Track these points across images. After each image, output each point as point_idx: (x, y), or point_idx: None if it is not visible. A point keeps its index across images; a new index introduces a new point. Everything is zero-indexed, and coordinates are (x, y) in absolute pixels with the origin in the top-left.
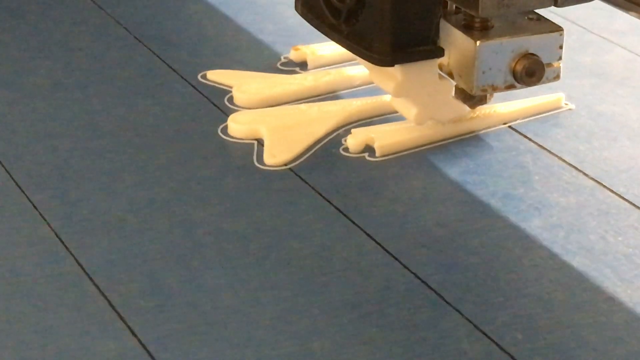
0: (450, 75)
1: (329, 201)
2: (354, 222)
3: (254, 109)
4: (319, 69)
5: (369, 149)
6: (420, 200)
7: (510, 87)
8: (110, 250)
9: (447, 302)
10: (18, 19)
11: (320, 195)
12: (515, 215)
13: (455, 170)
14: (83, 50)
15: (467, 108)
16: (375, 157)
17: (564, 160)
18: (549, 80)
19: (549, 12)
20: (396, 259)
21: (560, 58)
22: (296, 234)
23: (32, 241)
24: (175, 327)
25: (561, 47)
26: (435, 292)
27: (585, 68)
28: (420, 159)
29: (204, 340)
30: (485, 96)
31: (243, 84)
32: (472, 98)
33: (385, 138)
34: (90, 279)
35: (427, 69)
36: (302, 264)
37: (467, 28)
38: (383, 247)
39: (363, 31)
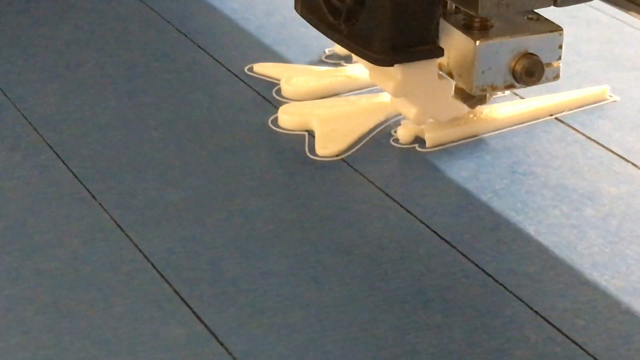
0: (450, 75)
1: (382, 190)
2: (408, 211)
3: (301, 101)
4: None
5: (419, 139)
6: (472, 190)
7: (510, 86)
8: (171, 238)
9: (507, 289)
10: (66, 15)
11: (374, 184)
12: (568, 204)
13: (505, 161)
14: (130, 44)
15: (466, 108)
16: (425, 148)
17: (611, 151)
18: (548, 80)
19: (588, 7)
20: (454, 247)
21: (559, 58)
22: (352, 223)
23: (93, 231)
24: (240, 312)
25: (561, 47)
26: (494, 279)
27: (629, 61)
28: (469, 150)
29: (269, 325)
30: (485, 96)
31: (291, 77)
32: (471, 98)
33: (435, 129)
34: (154, 266)
35: (426, 69)
36: (361, 251)
37: (467, 28)
38: (440, 236)
39: (362, 31)
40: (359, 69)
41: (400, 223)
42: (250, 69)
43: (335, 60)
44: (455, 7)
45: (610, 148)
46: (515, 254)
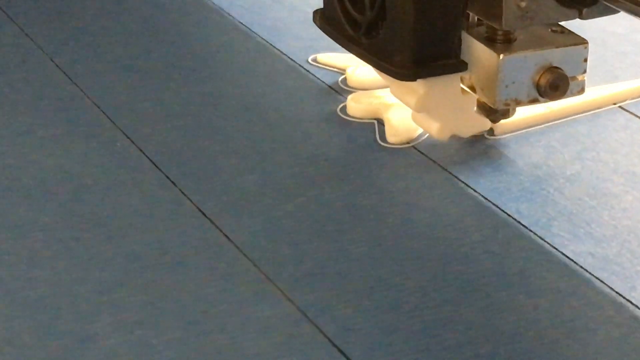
0: (472, 88)
1: (455, 176)
2: (483, 196)
3: (367, 90)
4: None
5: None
6: (543, 175)
7: (534, 101)
8: (251, 223)
9: (587, 271)
10: (127, 7)
11: (446, 170)
12: (639, 190)
13: (573, 149)
14: (192, 36)
15: (489, 123)
16: (493, 135)
17: None
18: (572, 94)
19: None
20: (531, 231)
21: (584, 71)
22: (428, 208)
23: (176, 215)
24: (328, 294)
25: (586, 60)
26: (574, 261)
27: None
28: (537, 137)
29: (357, 306)
30: (508, 110)
31: (356, 66)
32: (494, 112)
33: None
34: (239, 249)
35: (449, 83)
36: (440, 235)
37: (490, 41)
38: (516, 220)
39: (384, 44)
40: None
41: (475, 207)
42: (314, 60)
43: None
44: (478, 19)
45: None
46: (592, 238)
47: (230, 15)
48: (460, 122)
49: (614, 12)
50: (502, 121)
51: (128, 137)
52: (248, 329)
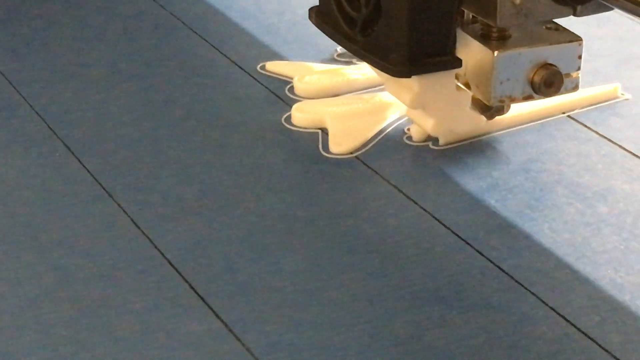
0: (467, 85)
1: (397, 188)
2: (423, 208)
3: (314, 99)
4: None
5: (432, 137)
6: (486, 187)
7: (528, 97)
8: (187, 235)
9: (522, 286)
10: (78, 14)
11: (389, 182)
12: (582, 202)
13: (518, 159)
14: (143, 43)
15: (484, 119)
16: (438, 145)
17: (624, 149)
18: (567, 91)
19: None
20: (469, 244)
21: (579, 68)
22: (368, 220)
23: (109, 227)
24: (258, 309)
25: (580, 57)
26: (510, 275)
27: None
28: (482, 147)
29: (287, 321)
30: (503, 107)
31: (303, 75)
32: (489, 109)
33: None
34: (170, 263)
35: (444, 80)
36: (377, 248)
37: (485, 38)
38: (454, 233)
39: (379, 41)
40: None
41: (415, 220)
42: (263, 68)
43: (347, 59)
44: (473, 17)
45: (623, 145)
46: (531, 251)
47: (182, 22)
48: (454, 118)
49: (608, 9)
50: (448, 131)
51: (68, 148)
52: (174, 345)
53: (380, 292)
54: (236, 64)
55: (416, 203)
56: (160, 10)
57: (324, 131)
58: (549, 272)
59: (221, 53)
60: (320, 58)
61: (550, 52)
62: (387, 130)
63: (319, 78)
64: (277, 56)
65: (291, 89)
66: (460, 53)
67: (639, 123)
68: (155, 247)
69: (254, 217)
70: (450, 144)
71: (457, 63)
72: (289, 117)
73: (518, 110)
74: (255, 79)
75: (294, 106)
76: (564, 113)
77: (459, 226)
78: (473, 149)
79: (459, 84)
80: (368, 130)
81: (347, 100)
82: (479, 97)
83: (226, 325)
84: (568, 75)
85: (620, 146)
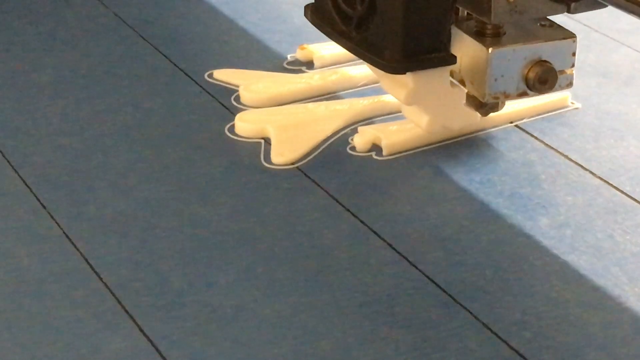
0: (462, 82)
1: (336, 199)
2: (361, 221)
3: (260, 108)
4: (325, 68)
5: (376, 147)
6: (427, 199)
7: (523, 94)
8: (119, 248)
9: (455, 301)
10: (24, 19)
11: (328, 193)
12: (523, 214)
13: (462, 169)
14: (90, 50)
15: (478, 115)
16: (382, 156)
17: (570, 159)
18: (561, 88)
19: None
20: (405, 257)
21: (573, 65)
22: (304, 232)
23: (40, 240)
24: (184, 325)
25: (574, 54)
26: (444, 290)
27: (591, 67)
28: (427, 157)
29: (212, 338)
30: (497, 104)
31: (250, 83)
32: (483, 105)
33: (392, 137)
34: (99, 277)
35: (438, 77)
36: (310, 262)
37: (479, 35)
38: (391, 246)
39: (374, 38)
40: (320, 76)
41: (352, 233)
42: (211, 75)
43: (296, 67)
44: (468, 14)
45: (569, 156)
46: (467, 265)
47: (133, 29)
48: (449, 115)
49: (602, 6)
50: (391, 140)
51: (5, 158)
52: None
53: (310, 307)
54: (184, 71)
55: (354, 215)
56: (111, 17)
57: (267, 141)
58: (484, 287)
59: (169, 60)
60: (271, 66)
61: (544, 49)
62: (331, 141)
63: (265, 87)
64: (226, 64)
65: (237, 98)
66: (455, 50)
67: (587, 133)
68: (86, 260)
69: (189, 230)
70: (394, 154)
71: (452, 60)
72: (233, 127)
73: (468, 121)
74: (202, 88)
75: (237, 115)
76: (511, 123)
77: (395, 239)
78: (417, 159)
79: (454, 81)
80: (311, 141)
81: (291, 110)
82: (474, 93)
83: (151, 342)
84: (562, 72)
85: (566, 156)
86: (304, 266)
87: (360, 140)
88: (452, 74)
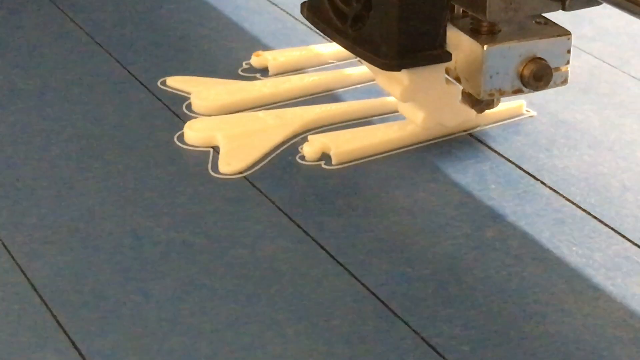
0: (457, 79)
1: (281, 210)
2: (305, 232)
3: (212, 116)
4: (280, 76)
5: (325, 156)
6: (374, 209)
7: (518, 91)
8: (57, 261)
9: (395, 314)
10: None
11: (273, 204)
12: (470, 224)
13: (410, 180)
14: (43, 56)
15: (473, 112)
16: (331, 165)
17: (522, 169)
18: (556, 85)
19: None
20: (347, 269)
21: (568, 62)
22: (246, 244)
23: None
24: (117, 339)
25: (569, 52)
26: (384, 303)
27: None
28: (376, 167)
29: (147, 353)
30: (493, 100)
31: (201, 91)
32: (479, 102)
33: (341, 145)
34: (35, 290)
35: (434, 74)
36: (250, 274)
37: (475, 32)
38: (333, 257)
39: (370, 35)
40: (272, 83)
41: (295, 244)
42: (164, 83)
43: (251, 74)
44: (463, 11)
45: (521, 165)
46: (410, 277)
47: (89, 35)
48: (444, 112)
49: (597, 3)
50: (341, 149)
51: None
52: None
53: (247, 320)
54: (137, 78)
55: (299, 226)
56: (67, 22)
57: (217, 150)
58: (425, 300)
59: (123, 67)
60: (226, 73)
61: (539, 46)
62: (281, 150)
63: (216, 94)
64: (181, 71)
65: (189, 106)
66: (451, 47)
67: (541, 142)
68: (23, 272)
69: (130, 242)
70: (344, 163)
71: (447, 57)
72: (183, 135)
73: (417, 127)
74: (155, 95)
75: (187, 124)
76: (465, 131)
77: (339, 250)
78: (366, 168)
79: (449, 78)
80: (260, 150)
81: (241, 118)
82: (469, 90)
83: (83, 357)
84: (557, 69)
85: (517, 166)
86: (244, 278)
87: (310, 149)
88: (447, 71)
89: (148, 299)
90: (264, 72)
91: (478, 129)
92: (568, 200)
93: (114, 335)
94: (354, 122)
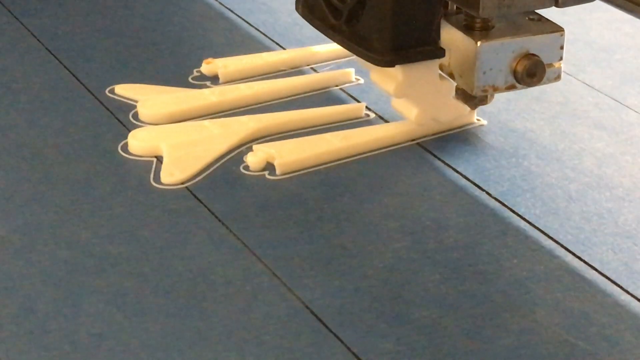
0: (451, 75)
1: (221, 221)
2: (244, 244)
3: (158, 125)
4: (230, 84)
5: (270, 166)
6: (315, 220)
7: (511, 87)
8: None
9: (328, 329)
10: None
11: (214, 215)
12: (411, 236)
13: (353, 190)
14: None
15: (467, 108)
16: (275, 175)
17: (467, 179)
18: (549, 81)
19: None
20: (283, 282)
21: (561, 58)
22: (183, 257)
23: None
24: (46, 355)
25: (562, 48)
26: (318, 317)
27: None
28: (320, 177)
29: None
30: (486, 97)
31: (148, 99)
32: (473, 98)
33: (286, 155)
34: None
35: (428, 70)
36: (185, 287)
37: (468, 28)
38: (271, 270)
39: (364, 32)
40: (220, 92)
41: (233, 256)
42: (112, 91)
43: (201, 82)
44: (457, 7)
45: (467, 176)
46: (346, 291)
47: (39, 40)
48: (438, 108)
49: (589, 0)
50: (285, 160)
51: None
52: None
53: (177, 335)
54: (85, 86)
55: (238, 238)
56: (18, 28)
57: (161, 160)
58: (359, 314)
59: (71, 73)
60: (176, 81)
61: (532, 43)
62: (226, 159)
63: (164, 102)
64: (131, 79)
65: (136, 115)
66: (444, 43)
67: (489, 152)
68: None
69: (64, 254)
70: (288, 173)
71: (441, 53)
72: (127, 144)
73: (363, 138)
74: (101, 103)
75: (131, 133)
76: (413, 140)
77: (277, 263)
78: (310, 179)
79: (443, 74)
80: (203, 159)
81: (186, 127)
82: (463, 86)
83: None
84: (550, 65)
85: (463, 176)
86: (177, 292)
87: (254, 159)
88: (441, 67)
89: (79, 313)
90: (215, 79)
91: (425, 138)
92: (512, 211)
93: (42, 351)
94: (302, 131)
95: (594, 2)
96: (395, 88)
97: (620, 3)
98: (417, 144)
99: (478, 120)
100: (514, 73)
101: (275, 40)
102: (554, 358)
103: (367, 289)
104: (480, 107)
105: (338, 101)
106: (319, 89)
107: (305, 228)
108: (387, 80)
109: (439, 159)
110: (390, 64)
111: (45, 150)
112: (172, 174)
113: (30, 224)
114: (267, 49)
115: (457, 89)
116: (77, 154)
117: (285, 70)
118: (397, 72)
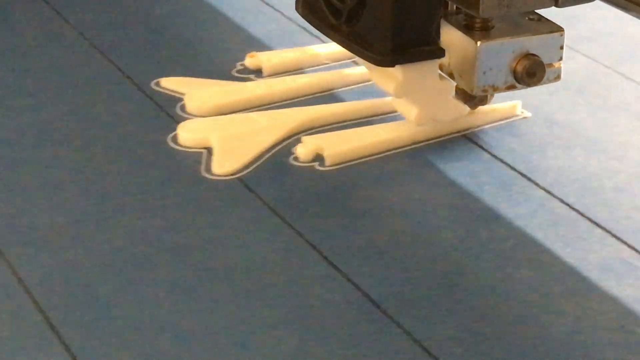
0: (451, 75)
1: (274, 211)
2: (298, 233)
3: (205, 117)
4: (274, 77)
5: (319, 157)
6: (367, 211)
7: (511, 87)
8: (49, 262)
9: (387, 316)
10: None
11: (267, 205)
12: (463, 226)
13: (404, 181)
14: (38, 57)
15: (467, 108)
16: (325, 166)
17: (515, 170)
18: (549, 81)
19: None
20: (340, 270)
21: (561, 58)
22: (239, 246)
23: None
24: (109, 341)
25: (562, 48)
26: (377, 305)
27: None
28: (370, 168)
29: (136, 354)
30: (486, 97)
31: (195, 92)
32: (472, 98)
33: (335, 147)
34: (28, 292)
35: (427, 70)
36: (242, 277)
37: (468, 28)
38: (327, 259)
39: (364, 31)
40: (266, 84)
41: (287, 246)
42: (158, 84)
43: (245, 75)
44: (457, 7)
45: (514, 166)
46: (402, 279)
47: (82, 34)
48: (438, 107)
49: (589, 0)
50: (334, 151)
51: None
52: None
53: (238, 323)
54: (131, 79)
55: (292, 227)
56: (61, 22)
57: (210, 151)
58: (419, 302)
59: (117, 68)
60: (220, 74)
61: (532, 43)
62: (275, 151)
63: (210, 95)
64: (175, 72)
65: (183, 107)
66: (444, 43)
67: (535, 143)
68: (16, 275)
69: (121, 243)
70: (337, 164)
71: (441, 53)
72: (176, 136)
73: (411, 129)
74: (148, 96)
75: (180, 125)
76: (459, 132)
77: (332, 252)
78: (360, 170)
79: (443, 74)
80: (253, 151)
81: (234, 119)
82: (463, 86)
83: (74, 357)
84: (550, 65)
85: (511, 167)
86: (237, 281)
87: (303, 150)
88: (441, 67)
89: (141, 301)
90: (258, 73)
91: (472, 129)
92: (561, 201)
93: (106, 337)
94: (349, 123)
95: None
96: (395, 88)
97: (620, 3)
98: (463, 135)
99: (522, 112)
100: (514, 73)
101: (315, 35)
102: (610, 344)
103: (423, 277)
104: (524, 100)
105: (379, 94)
106: (365, 82)
107: (358, 218)
108: (387, 80)
109: (486, 150)
110: (391, 63)
111: (96, 143)
112: (223, 165)
113: (87, 215)
114: (306, 43)
115: (457, 89)
116: (128, 146)
117: (328, 63)
118: (397, 72)
